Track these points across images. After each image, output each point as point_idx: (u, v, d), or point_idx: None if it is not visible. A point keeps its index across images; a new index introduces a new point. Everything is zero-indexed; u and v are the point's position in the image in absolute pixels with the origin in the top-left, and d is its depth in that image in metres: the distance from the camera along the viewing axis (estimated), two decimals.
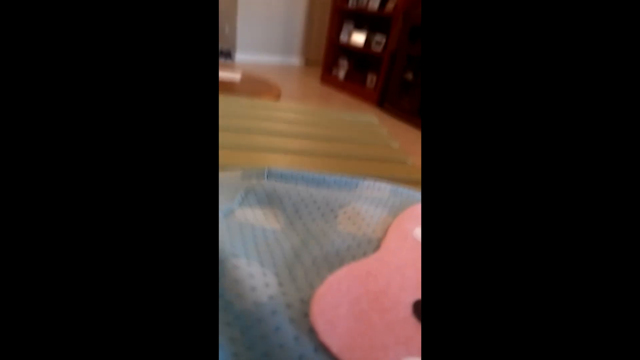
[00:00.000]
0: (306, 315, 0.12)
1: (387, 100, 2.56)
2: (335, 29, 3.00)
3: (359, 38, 2.81)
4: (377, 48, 2.63)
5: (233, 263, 0.14)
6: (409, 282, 0.13)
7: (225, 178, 0.23)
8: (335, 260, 0.15)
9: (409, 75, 2.39)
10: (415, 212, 0.18)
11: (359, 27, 2.92)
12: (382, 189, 0.21)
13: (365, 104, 2.75)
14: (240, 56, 3.76)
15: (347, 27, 2.97)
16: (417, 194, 0.21)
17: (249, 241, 0.16)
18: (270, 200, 0.20)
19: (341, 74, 3.06)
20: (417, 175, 0.41)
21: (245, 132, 0.45)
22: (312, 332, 0.12)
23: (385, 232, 0.16)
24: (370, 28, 2.82)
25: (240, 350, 0.12)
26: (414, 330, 0.12)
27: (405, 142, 2.00)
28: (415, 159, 0.45)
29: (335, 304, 0.13)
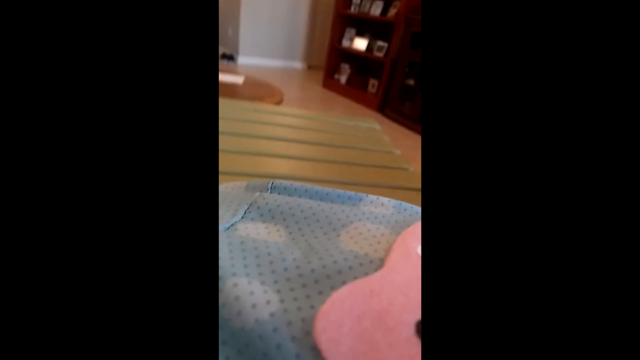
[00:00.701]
0: (308, 333, 0.12)
1: (389, 106, 2.57)
2: (338, 34, 3.02)
3: (361, 43, 2.82)
4: (379, 53, 2.64)
5: (233, 281, 0.14)
6: (412, 302, 0.13)
7: (228, 190, 0.23)
8: (337, 279, 0.15)
9: (411, 81, 2.40)
10: (419, 229, 0.18)
11: (361, 32, 2.94)
12: (386, 205, 0.21)
13: (366, 109, 2.76)
14: (242, 60, 3.78)
15: (349, 32, 2.99)
16: (420, 210, 0.21)
17: (250, 257, 0.16)
18: (272, 215, 0.20)
19: (343, 78, 3.07)
20: (419, 182, 0.41)
21: (247, 136, 0.46)
22: (314, 349, 0.12)
23: (388, 250, 0.16)
24: (373, 34, 2.83)
25: None
26: (416, 350, 0.12)
27: (406, 149, 2.00)
28: (416, 166, 0.45)
29: (338, 322, 0.12)
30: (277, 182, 0.23)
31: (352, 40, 2.93)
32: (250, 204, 0.20)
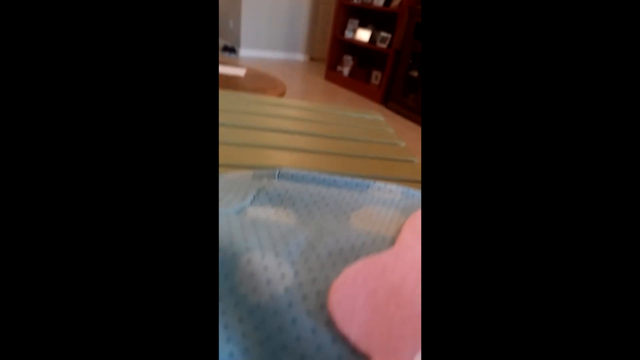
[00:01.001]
0: (323, 307, 0.12)
1: (392, 98, 2.55)
2: (340, 25, 2.99)
3: (364, 35, 2.79)
4: (382, 45, 2.61)
5: (247, 257, 0.14)
6: None
7: (236, 178, 0.23)
8: (350, 255, 0.15)
9: (414, 73, 2.37)
10: None
11: (364, 23, 2.90)
12: (394, 192, 0.21)
13: (369, 101, 2.74)
14: (244, 52, 3.76)
15: (352, 23, 2.95)
16: None
17: (263, 235, 0.16)
18: (281, 200, 0.20)
19: (346, 70, 3.04)
20: None
21: (250, 128, 0.45)
22: (329, 324, 0.12)
23: (399, 230, 0.16)
24: (376, 25, 2.80)
25: (252, 345, 0.12)
26: None
27: (410, 141, 1.99)
28: (420, 158, 0.44)
29: (352, 295, 0.13)
30: (284, 169, 0.23)
31: (354, 31, 2.90)
32: (259, 190, 0.20)
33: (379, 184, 0.22)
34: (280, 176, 0.22)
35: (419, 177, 0.39)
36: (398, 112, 2.49)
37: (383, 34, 2.61)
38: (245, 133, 0.43)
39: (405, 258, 0.14)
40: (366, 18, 2.90)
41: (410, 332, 0.12)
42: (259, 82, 1.59)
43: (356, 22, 2.94)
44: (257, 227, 0.16)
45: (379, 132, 0.52)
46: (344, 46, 3.08)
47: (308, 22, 3.89)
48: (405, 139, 2.01)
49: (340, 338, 0.12)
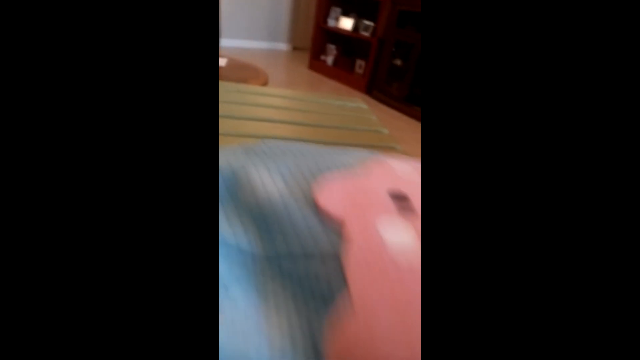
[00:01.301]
0: (309, 201, 0.16)
1: (376, 87, 2.55)
2: (323, 14, 2.95)
3: (347, 23, 2.77)
4: (365, 33, 2.59)
5: (244, 172, 0.18)
6: (385, 181, 0.18)
7: (224, 149, 0.27)
8: (328, 172, 0.19)
9: (398, 62, 2.37)
10: (392, 155, 0.23)
11: (346, 11, 2.88)
12: (363, 151, 0.26)
13: (354, 90, 2.73)
14: (225, 42, 3.67)
15: (334, 11, 2.92)
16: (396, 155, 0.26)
17: (256, 159, 0.20)
18: (269, 156, 0.23)
19: (329, 60, 3.02)
20: None
21: (231, 118, 0.44)
22: (315, 213, 0.15)
23: (366, 164, 0.20)
24: (358, 13, 2.77)
25: (253, 235, 0.15)
26: (389, 202, 0.16)
27: (394, 129, 2.00)
28: (404, 147, 0.45)
29: (332, 188, 0.17)
30: (267, 139, 0.27)
31: (337, 20, 2.87)
32: (247, 150, 0.24)
33: (352, 149, 0.26)
34: (264, 144, 0.26)
35: None
36: (382, 101, 2.49)
37: (366, 22, 2.60)
38: (227, 122, 0.42)
39: (371, 175, 0.18)
40: (349, 6, 2.87)
41: (371, 203, 0.15)
42: (241, 72, 1.56)
43: (339, 10, 2.90)
44: (249, 154, 0.21)
45: (362, 119, 0.52)
46: (327, 35, 3.05)
47: (290, 11, 3.82)
48: (389, 127, 2.02)
49: (323, 217, 0.15)
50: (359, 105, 0.58)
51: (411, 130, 2.03)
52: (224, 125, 0.42)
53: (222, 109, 0.46)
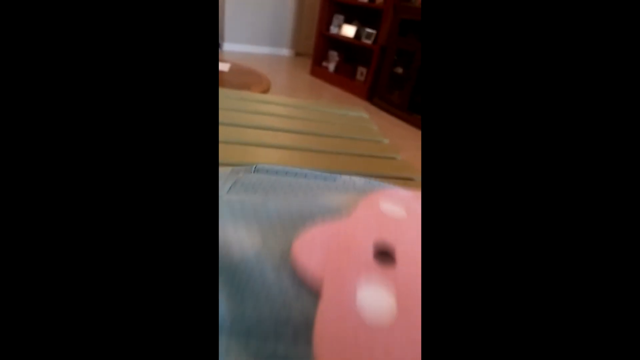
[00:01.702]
0: (285, 260, 0.15)
1: (377, 94, 2.56)
2: (326, 21, 2.97)
3: (349, 30, 2.79)
4: (367, 41, 2.61)
5: (222, 231, 0.17)
6: (373, 236, 0.16)
7: None
8: (310, 221, 0.18)
9: (399, 70, 2.39)
10: (386, 192, 0.21)
11: (349, 19, 2.90)
12: (357, 181, 0.25)
13: (355, 97, 2.74)
14: (228, 47, 3.69)
15: (337, 18, 2.94)
16: (389, 185, 0.24)
17: (236, 211, 0.19)
18: (255, 190, 0.22)
19: (331, 66, 3.04)
20: (407, 171, 0.41)
21: (234, 125, 0.45)
22: (291, 273, 0.15)
23: (355, 206, 0.19)
24: (361, 20, 2.80)
25: (223, 296, 0.15)
26: (372, 264, 0.15)
27: (395, 137, 2.01)
28: (404, 155, 0.45)
29: (310, 247, 0.16)
30: (260, 165, 0.25)
31: (340, 27, 2.89)
32: (235, 182, 0.23)
33: (345, 177, 0.24)
34: (256, 171, 0.25)
35: (402, 174, 0.40)
36: (383, 109, 2.50)
37: (368, 30, 2.62)
38: (229, 130, 0.43)
39: (357, 225, 0.17)
40: (351, 14, 2.89)
41: (353, 266, 0.14)
42: (244, 78, 1.57)
43: (341, 17, 2.93)
44: (232, 207, 0.19)
45: (362, 129, 0.52)
46: (329, 42, 3.07)
47: (293, 17, 3.85)
48: (389, 135, 2.02)
49: (298, 281, 0.14)
50: (360, 115, 0.59)
51: (412, 138, 2.04)
52: (226, 132, 0.42)
53: (225, 116, 0.47)
